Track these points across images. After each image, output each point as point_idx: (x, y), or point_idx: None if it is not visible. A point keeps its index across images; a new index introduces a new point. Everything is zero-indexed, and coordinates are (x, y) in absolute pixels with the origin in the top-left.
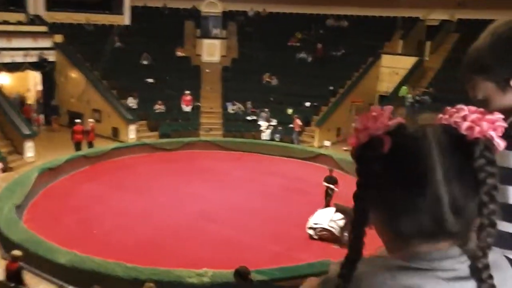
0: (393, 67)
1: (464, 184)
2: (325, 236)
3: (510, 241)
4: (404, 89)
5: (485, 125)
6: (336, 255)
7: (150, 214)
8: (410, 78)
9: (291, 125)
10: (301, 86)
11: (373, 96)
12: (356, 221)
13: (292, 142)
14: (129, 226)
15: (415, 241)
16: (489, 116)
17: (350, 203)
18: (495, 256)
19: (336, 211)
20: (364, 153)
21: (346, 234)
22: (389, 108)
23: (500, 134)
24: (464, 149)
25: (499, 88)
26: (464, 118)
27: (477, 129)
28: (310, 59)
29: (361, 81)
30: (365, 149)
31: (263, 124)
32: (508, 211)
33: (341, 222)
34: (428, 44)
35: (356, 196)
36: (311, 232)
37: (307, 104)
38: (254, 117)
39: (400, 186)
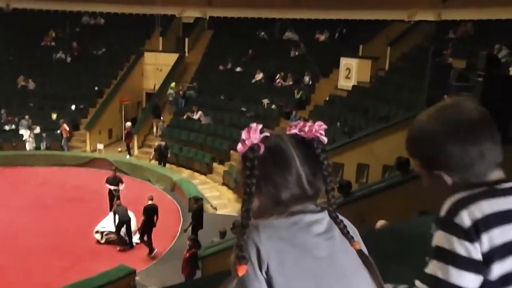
0: (156, 64)
1: (312, 165)
2: (112, 239)
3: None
4: (172, 85)
5: (316, 128)
6: (126, 258)
7: None
8: (174, 74)
9: (58, 131)
10: (64, 88)
11: (140, 94)
12: (246, 200)
13: (61, 149)
14: None
15: (291, 205)
16: (317, 123)
17: (132, 202)
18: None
19: (114, 214)
20: (248, 154)
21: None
22: (259, 125)
23: (324, 133)
24: (307, 145)
25: (425, 172)
26: (304, 126)
27: (312, 131)
28: (69, 59)
29: (126, 80)
30: (248, 152)
31: (25, 133)
32: None
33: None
34: (186, 40)
35: (245, 183)
36: (98, 236)
37: (73, 107)
38: (13, 126)
39: (277, 171)
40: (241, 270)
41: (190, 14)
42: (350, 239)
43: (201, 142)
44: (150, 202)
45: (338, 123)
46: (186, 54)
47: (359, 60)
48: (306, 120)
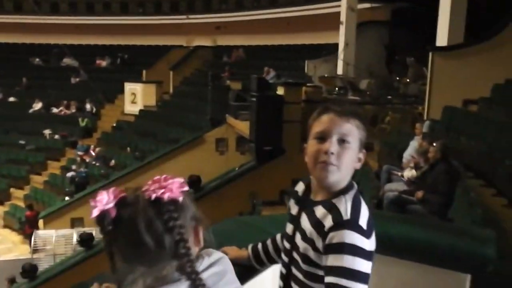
0: None
1: (161, 231)
2: None
3: None
4: None
5: (155, 186)
6: None
7: None
8: None
9: None
10: None
11: None
12: (110, 262)
13: None
14: None
15: (143, 273)
16: (160, 179)
17: None
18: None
19: None
20: (99, 220)
21: None
22: (114, 190)
23: (176, 192)
24: (157, 207)
25: (359, 146)
26: (148, 188)
27: (159, 192)
28: None
29: None
30: (99, 217)
31: None
32: None
33: None
34: None
35: (104, 245)
36: None
37: None
38: None
39: (125, 236)
40: None
41: None
42: None
43: None
44: None
45: (128, 148)
46: None
47: (144, 84)
48: (95, 147)
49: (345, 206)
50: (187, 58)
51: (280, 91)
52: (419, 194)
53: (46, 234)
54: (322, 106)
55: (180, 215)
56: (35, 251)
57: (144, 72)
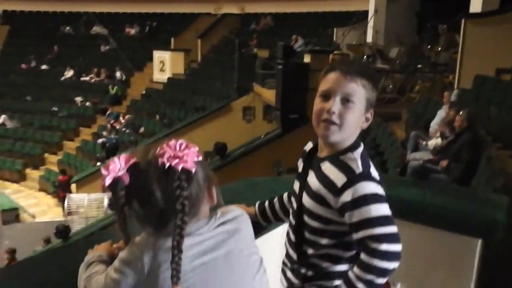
0: None
1: (170, 199)
2: None
3: None
4: None
5: (170, 154)
6: None
7: None
8: None
9: None
10: None
11: None
12: (120, 224)
13: None
14: None
15: (156, 230)
16: (176, 144)
17: None
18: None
19: None
20: (113, 187)
21: None
22: (124, 156)
23: (191, 163)
24: (170, 175)
25: (366, 106)
26: (162, 154)
27: (174, 162)
28: None
29: None
30: (112, 185)
31: None
32: None
33: None
34: None
35: (116, 209)
36: None
37: None
38: None
39: (139, 202)
40: None
41: None
42: (174, 281)
43: (9, 148)
44: None
45: (157, 116)
46: None
47: (172, 53)
48: (125, 115)
49: (355, 161)
50: (214, 26)
51: (307, 58)
52: (444, 163)
53: (78, 198)
54: (330, 65)
55: (190, 185)
56: (68, 213)
57: (172, 40)
